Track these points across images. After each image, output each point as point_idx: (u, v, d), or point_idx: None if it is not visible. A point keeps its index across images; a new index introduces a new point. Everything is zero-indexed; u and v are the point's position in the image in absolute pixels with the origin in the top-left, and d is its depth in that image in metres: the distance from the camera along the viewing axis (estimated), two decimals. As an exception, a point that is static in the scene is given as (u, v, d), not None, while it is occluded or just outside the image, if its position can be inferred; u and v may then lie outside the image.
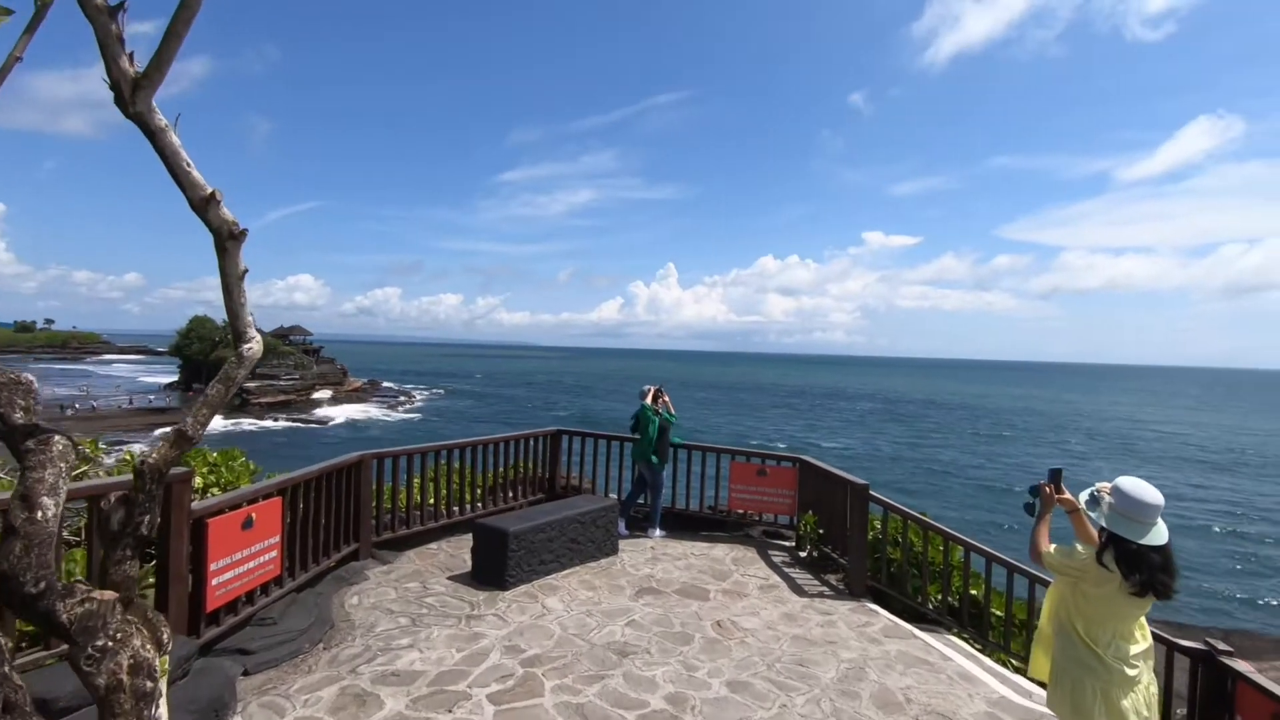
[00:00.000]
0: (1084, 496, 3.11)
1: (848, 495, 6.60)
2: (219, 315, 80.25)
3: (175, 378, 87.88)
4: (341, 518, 5.96)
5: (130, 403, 69.73)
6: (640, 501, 8.17)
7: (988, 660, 5.43)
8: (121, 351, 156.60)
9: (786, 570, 6.97)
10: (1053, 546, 3.19)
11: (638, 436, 7.99)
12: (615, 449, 8.63)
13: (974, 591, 6.04)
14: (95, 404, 66.73)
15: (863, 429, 56.54)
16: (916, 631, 5.58)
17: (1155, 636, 5.95)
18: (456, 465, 7.53)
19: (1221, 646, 5.21)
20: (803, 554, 7.50)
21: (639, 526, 8.05)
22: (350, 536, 6.14)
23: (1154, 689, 3.02)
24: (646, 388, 8.24)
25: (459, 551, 6.78)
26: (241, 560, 4.42)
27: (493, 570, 5.99)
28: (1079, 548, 3.07)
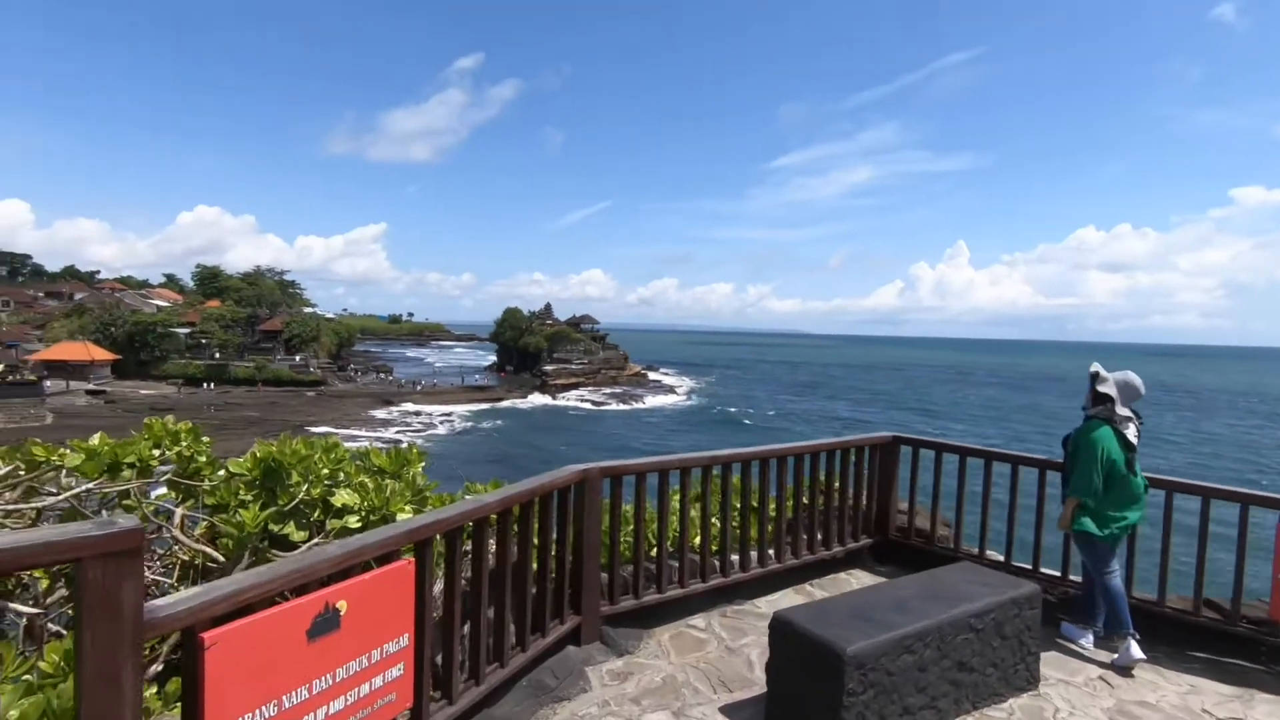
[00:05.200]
0: None
1: None
2: (528, 306, 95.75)
3: (493, 359, 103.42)
4: (547, 577, 3.58)
5: (461, 381, 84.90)
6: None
7: None
8: (457, 339, 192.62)
9: None
10: None
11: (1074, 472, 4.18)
12: (989, 472, 5.03)
13: None
14: (436, 382, 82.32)
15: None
16: None
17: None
18: (734, 484, 4.75)
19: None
20: None
21: (1077, 627, 4.39)
22: (562, 608, 3.72)
23: None
24: (1103, 375, 4.29)
25: (739, 642, 3.98)
26: (306, 704, 2.12)
27: (808, 712, 3.08)
28: None
